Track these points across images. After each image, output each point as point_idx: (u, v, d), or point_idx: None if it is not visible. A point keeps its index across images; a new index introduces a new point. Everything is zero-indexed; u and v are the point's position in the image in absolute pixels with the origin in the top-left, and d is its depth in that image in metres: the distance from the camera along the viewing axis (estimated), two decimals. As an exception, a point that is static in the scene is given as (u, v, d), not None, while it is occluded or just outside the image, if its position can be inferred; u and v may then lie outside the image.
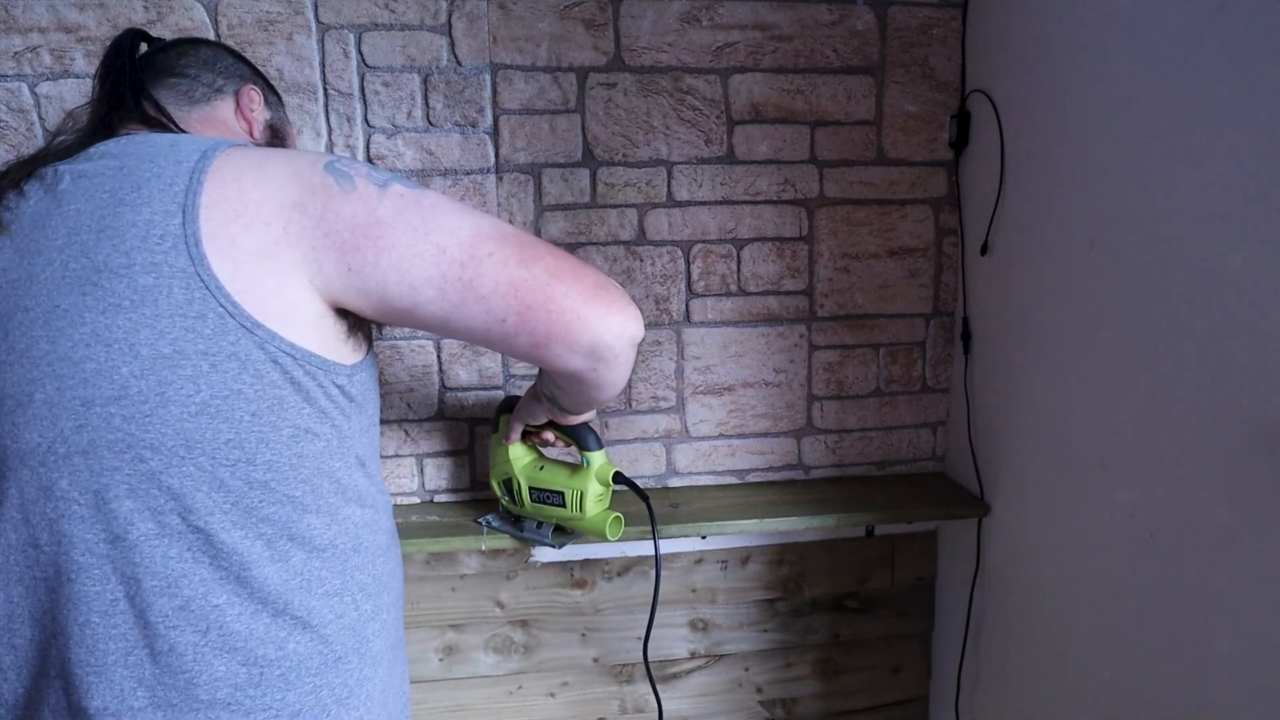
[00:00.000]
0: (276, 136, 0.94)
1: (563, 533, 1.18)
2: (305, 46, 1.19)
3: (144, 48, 0.88)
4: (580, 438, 1.08)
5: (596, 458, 1.09)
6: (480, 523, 1.23)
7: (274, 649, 0.65)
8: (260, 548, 0.64)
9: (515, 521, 1.21)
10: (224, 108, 0.87)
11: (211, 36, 1.16)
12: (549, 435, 1.11)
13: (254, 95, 0.89)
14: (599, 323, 0.66)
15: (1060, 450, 1.14)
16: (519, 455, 1.16)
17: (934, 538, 1.50)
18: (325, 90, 1.20)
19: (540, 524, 1.18)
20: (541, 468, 1.15)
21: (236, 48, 1.16)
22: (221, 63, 0.89)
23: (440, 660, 1.40)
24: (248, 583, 0.64)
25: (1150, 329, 0.95)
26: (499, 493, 1.19)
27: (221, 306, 0.61)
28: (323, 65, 1.20)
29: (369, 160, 1.22)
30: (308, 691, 0.67)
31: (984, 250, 1.30)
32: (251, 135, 0.89)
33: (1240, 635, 0.84)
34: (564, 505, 1.11)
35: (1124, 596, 1.01)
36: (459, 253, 0.64)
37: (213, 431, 0.62)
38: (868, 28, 1.31)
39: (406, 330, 1.28)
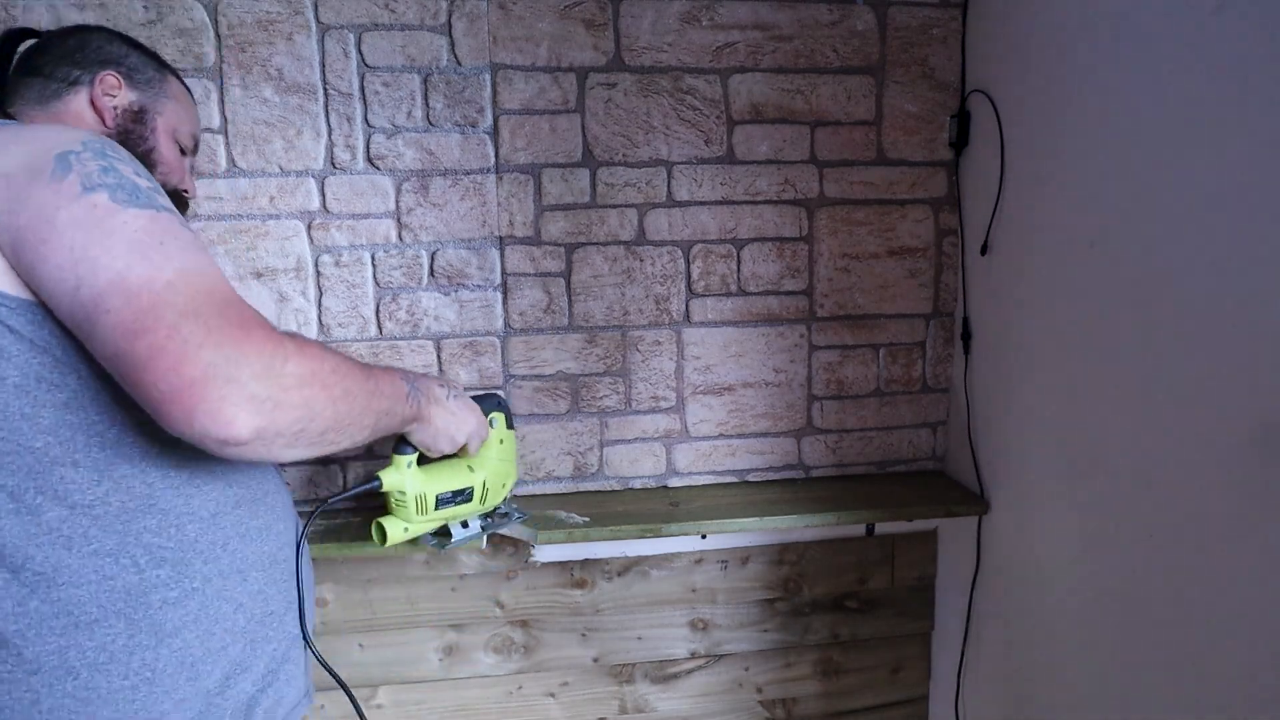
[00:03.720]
0: (138, 121, 0.89)
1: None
2: (305, 46, 1.19)
3: (29, 44, 0.89)
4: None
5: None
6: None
7: (12, 605, 0.64)
8: (1, 499, 0.64)
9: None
10: (76, 101, 0.85)
11: (211, 37, 1.16)
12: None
13: (109, 81, 0.86)
14: (179, 424, 0.60)
15: (1060, 449, 1.14)
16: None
17: (934, 537, 1.50)
18: (325, 90, 1.20)
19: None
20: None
21: (236, 46, 1.17)
22: (83, 51, 0.86)
23: (440, 660, 1.40)
24: None
25: (1150, 328, 0.95)
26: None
27: None
28: (323, 65, 1.20)
29: (369, 160, 1.22)
30: (51, 651, 0.65)
31: (984, 250, 1.30)
32: (104, 124, 0.86)
33: (1240, 634, 0.84)
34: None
35: (1123, 595, 1.02)
36: (86, 296, 0.60)
37: None
38: (867, 28, 1.31)
39: (406, 329, 1.28)
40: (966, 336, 1.38)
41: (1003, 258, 1.27)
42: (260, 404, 0.62)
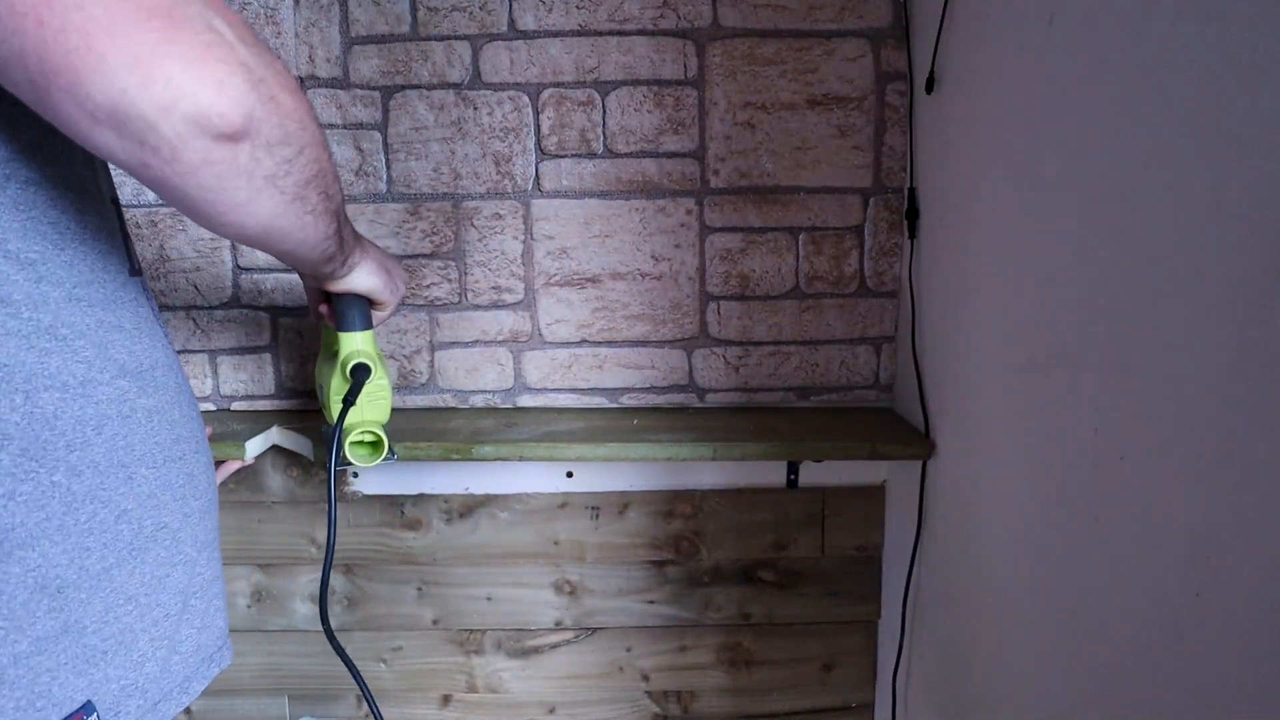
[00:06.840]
0: None
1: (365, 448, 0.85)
2: None
3: None
4: (338, 314, 0.79)
5: (346, 341, 0.78)
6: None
7: None
8: None
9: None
10: None
11: None
12: (323, 309, 0.80)
13: None
14: (125, 71, 0.38)
15: (1017, 359, 0.78)
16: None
17: (880, 494, 1.13)
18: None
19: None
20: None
21: None
22: None
23: (249, 606, 1.16)
24: None
25: (1131, 147, 0.59)
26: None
27: None
28: None
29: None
30: None
31: (930, 85, 0.94)
32: None
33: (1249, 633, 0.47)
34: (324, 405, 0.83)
35: (1080, 550, 0.65)
36: None
37: None
38: None
39: (189, 194, 1.05)
40: (913, 215, 1.01)
41: (956, 94, 0.91)
42: (254, 76, 0.43)
